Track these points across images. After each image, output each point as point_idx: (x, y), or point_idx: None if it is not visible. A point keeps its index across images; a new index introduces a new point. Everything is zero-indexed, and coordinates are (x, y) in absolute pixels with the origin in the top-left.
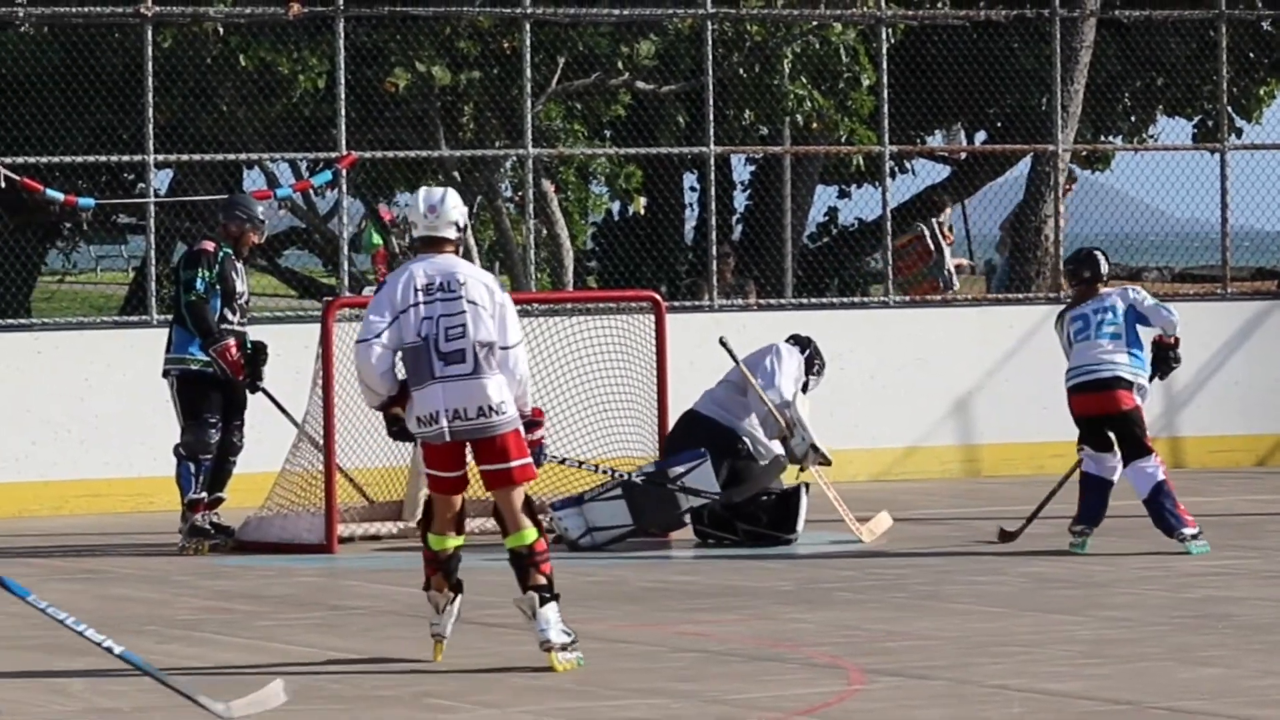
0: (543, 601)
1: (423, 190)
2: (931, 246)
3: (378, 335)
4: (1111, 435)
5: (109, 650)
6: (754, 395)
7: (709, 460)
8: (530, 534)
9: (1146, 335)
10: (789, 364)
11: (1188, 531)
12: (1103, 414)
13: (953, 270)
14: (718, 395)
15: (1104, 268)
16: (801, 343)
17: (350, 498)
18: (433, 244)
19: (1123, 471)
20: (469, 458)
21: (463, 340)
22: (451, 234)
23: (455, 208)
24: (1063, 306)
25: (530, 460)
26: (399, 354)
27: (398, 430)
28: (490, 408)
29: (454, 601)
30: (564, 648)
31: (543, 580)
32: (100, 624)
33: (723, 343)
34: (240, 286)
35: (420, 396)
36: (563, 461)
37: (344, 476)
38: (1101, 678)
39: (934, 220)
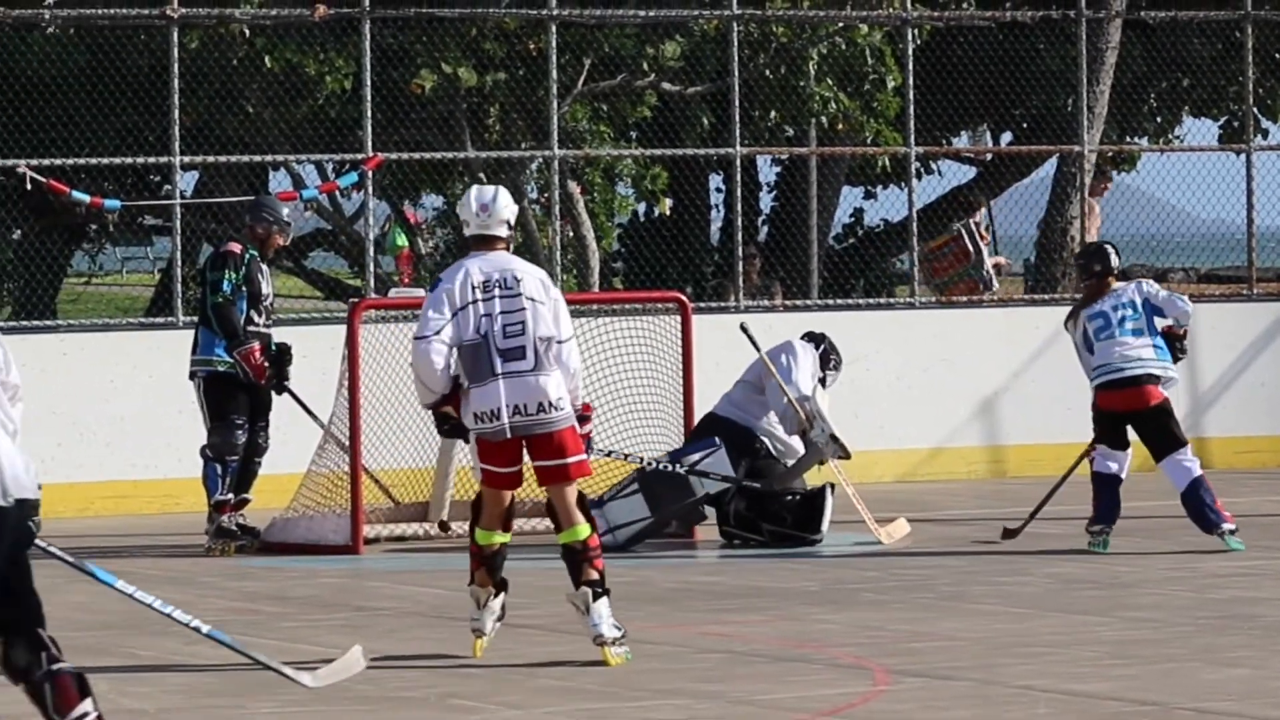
0: (595, 597)
1: (474, 189)
2: (970, 247)
3: (437, 332)
4: (1130, 433)
5: (197, 629)
6: (773, 391)
7: (723, 449)
8: (584, 529)
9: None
10: (805, 360)
11: (1226, 527)
12: (1130, 410)
13: (992, 271)
14: (734, 396)
15: (1114, 262)
16: (816, 339)
17: (376, 499)
18: (485, 241)
19: (1161, 466)
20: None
21: (522, 337)
22: (504, 232)
23: (506, 206)
24: (1073, 305)
25: (585, 456)
26: (455, 351)
27: (450, 428)
28: (550, 404)
29: (496, 598)
30: (615, 642)
31: (595, 575)
32: (127, 624)
33: (744, 329)
34: (266, 289)
35: (480, 393)
36: (609, 454)
37: (369, 478)
38: (1128, 678)
39: (970, 220)
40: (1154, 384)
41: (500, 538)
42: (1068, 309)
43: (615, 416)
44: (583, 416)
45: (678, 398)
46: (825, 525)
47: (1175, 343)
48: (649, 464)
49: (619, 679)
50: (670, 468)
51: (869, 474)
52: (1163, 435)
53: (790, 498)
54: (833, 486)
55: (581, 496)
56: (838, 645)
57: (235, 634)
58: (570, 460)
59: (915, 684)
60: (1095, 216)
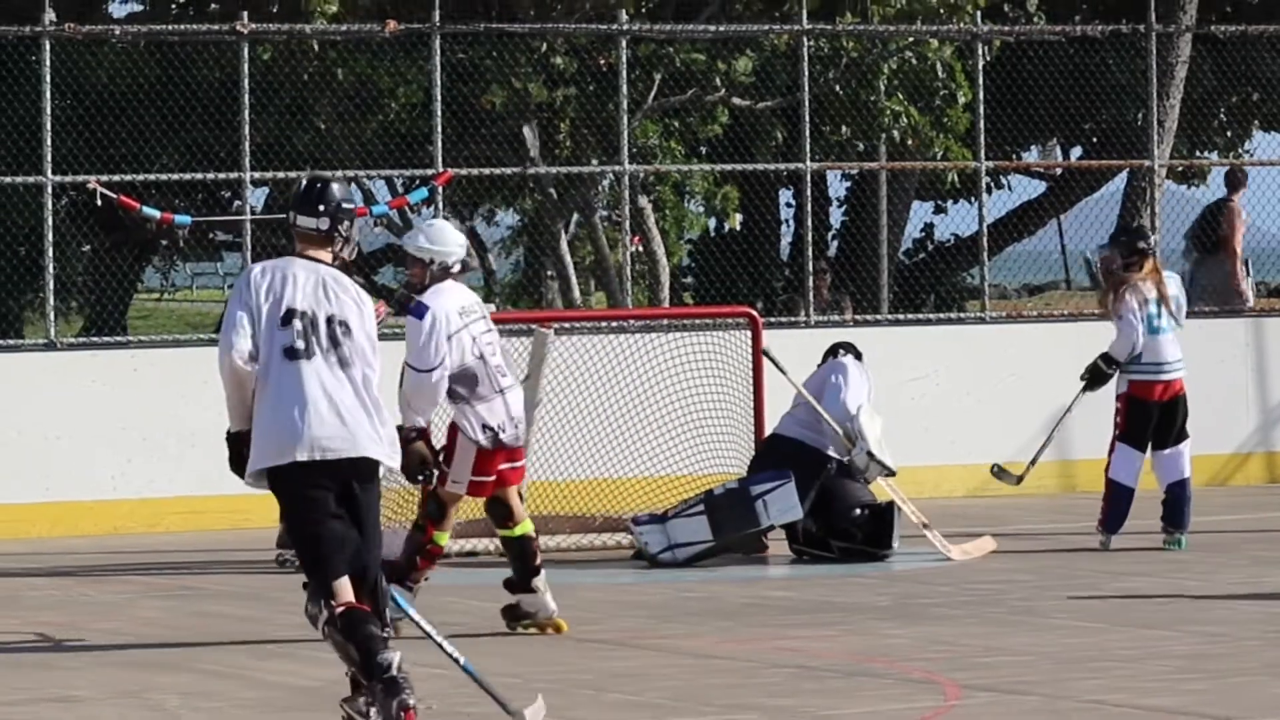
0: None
1: (446, 228)
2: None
3: (442, 363)
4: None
5: (455, 660)
6: (826, 405)
7: (793, 482)
8: (529, 522)
9: None
10: (855, 378)
11: (1187, 532)
12: (1162, 399)
13: (1249, 284)
14: (800, 416)
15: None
16: (849, 348)
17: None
18: (457, 272)
19: (1167, 452)
20: None
21: (499, 355)
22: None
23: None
24: (1116, 280)
25: None
26: (447, 374)
27: (421, 467)
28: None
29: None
30: None
31: (539, 560)
32: (197, 640)
33: (767, 354)
34: None
35: (488, 409)
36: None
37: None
38: (1198, 693)
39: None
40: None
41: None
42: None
43: (684, 432)
44: None
45: (748, 413)
46: (895, 541)
47: None
48: (714, 491)
49: (690, 694)
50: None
51: (939, 489)
52: (1181, 423)
53: (859, 513)
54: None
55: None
56: (908, 660)
57: (306, 650)
58: (523, 463)
59: (985, 699)
60: (1238, 219)
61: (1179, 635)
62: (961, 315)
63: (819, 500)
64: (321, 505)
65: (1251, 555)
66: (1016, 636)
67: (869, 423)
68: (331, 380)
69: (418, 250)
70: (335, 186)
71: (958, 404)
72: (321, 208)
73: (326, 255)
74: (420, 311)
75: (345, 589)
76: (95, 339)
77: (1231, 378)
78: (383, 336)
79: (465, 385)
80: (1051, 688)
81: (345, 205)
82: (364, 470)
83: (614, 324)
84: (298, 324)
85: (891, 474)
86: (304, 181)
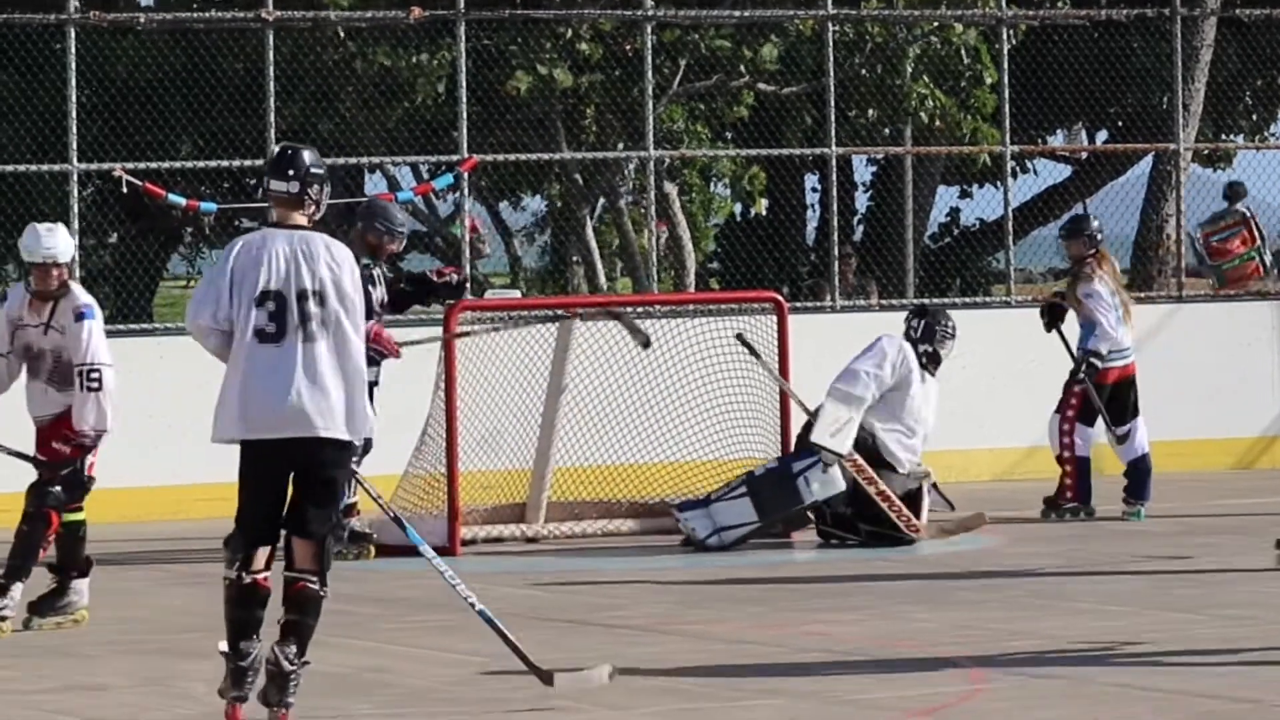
0: None
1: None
2: (1256, 230)
3: None
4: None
5: (472, 605)
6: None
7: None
8: None
9: None
10: (867, 354)
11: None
12: (1115, 383)
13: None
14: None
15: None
16: (918, 312)
17: (472, 500)
18: None
19: (1127, 428)
20: None
21: None
22: None
23: None
24: (1078, 274)
25: None
26: None
27: None
28: None
29: None
30: None
31: None
32: (218, 627)
33: (740, 338)
34: (379, 293)
35: None
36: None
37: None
38: (1226, 676)
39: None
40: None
41: None
42: (1163, 308)
43: (712, 417)
44: None
45: (775, 398)
46: (924, 523)
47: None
48: (754, 472)
49: (717, 679)
50: (778, 474)
51: (966, 474)
52: (1134, 402)
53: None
54: (934, 484)
55: None
56: (935, 644)
57: (332, 637)
58: None
59: (1012, 682)
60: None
61: (1206, 619)
62: (987, 299)
63: (849, 483)
64: (265, 480)
65: (1270, 536)
66: (1043, 620)
67: (833, 407)
68: (297, 360)
69: None
70: (306, 153)
71: (985, 388)
72: (291, 172)
73: (301, 218)
74: None
75: (259, 560)
76: (121, 326)
77: (1257, 362)
78: None
79: None
80: (1078, 671)
81: (315, 170)
82: (315, 448)
83: (640, 309)
84: (270, 305)
85: (840, 457)
86: (276, 149)
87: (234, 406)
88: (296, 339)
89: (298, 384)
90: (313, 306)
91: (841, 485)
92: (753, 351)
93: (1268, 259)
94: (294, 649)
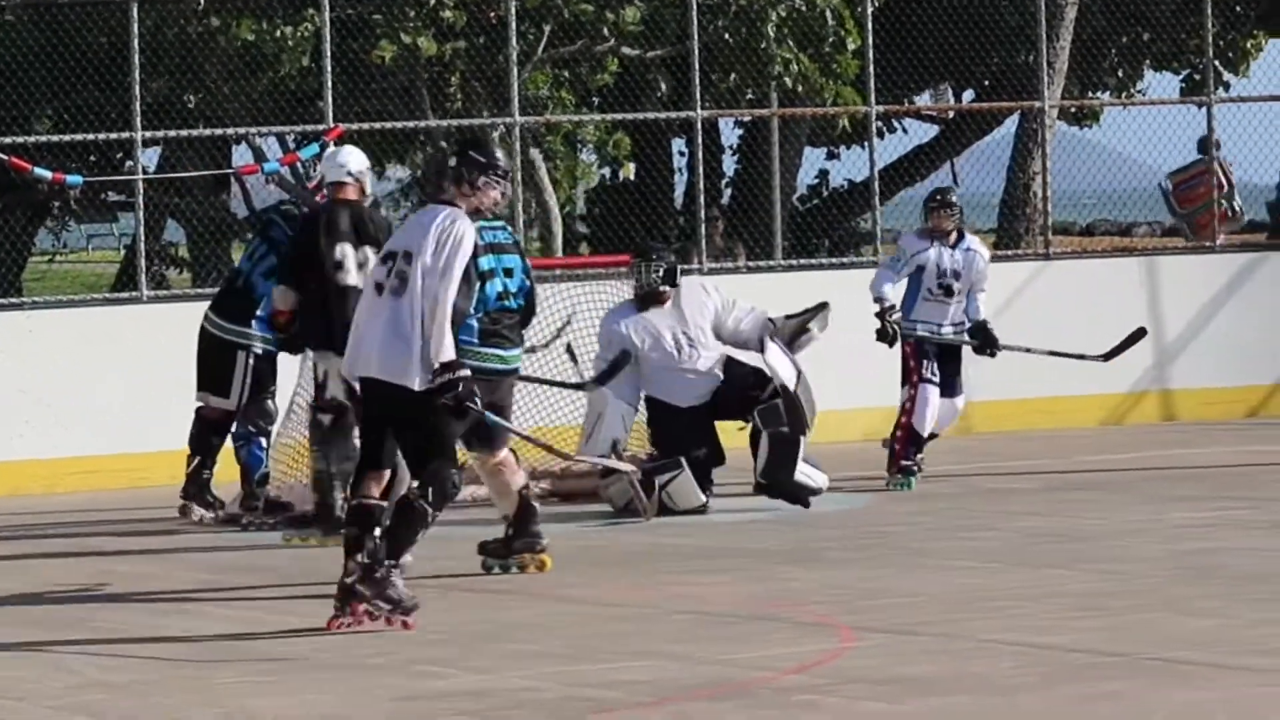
0: None
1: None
2: (1224, 177)
3: None
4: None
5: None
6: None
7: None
8: None
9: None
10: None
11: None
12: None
13: (1240, 203)
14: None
15: None
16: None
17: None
18: None
19: (946, 399)
20: None
21: None
22: None
23: None
24: (919, 233)
25: None
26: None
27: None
28: None
29: None
30: None
31: None
32: (94, 598)
33: (569, 350)
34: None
35: None
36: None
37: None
38: (1093, 630)
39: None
40: None
41: None
42: (1030, 265)
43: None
44: None
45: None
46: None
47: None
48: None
49: (588, 642)
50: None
51: (840, 434)
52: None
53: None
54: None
55: None
56: (805, 603)
57: (207, 606)
58: None
59: (881, 640)
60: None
61: (1074, 574)
62: (855, 259)
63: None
64: (366, 414)
65: (1146, 493)
66: (910, 577)
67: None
68: (385, 312)
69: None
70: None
71: (855, 348)
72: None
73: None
74: None
75: (369, 484)
76: None
77: (1126, 318)
78: None
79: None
80: (947, 628)
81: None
82: (389, 391)
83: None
84: (388, 264)
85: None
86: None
87: (350, 351)
88: (386, 293)
89: (385, 331)
90: (402, 264)
91: (697, 500)
92: (573, 357)
93: (1237, 205)
94: (383, 550)
